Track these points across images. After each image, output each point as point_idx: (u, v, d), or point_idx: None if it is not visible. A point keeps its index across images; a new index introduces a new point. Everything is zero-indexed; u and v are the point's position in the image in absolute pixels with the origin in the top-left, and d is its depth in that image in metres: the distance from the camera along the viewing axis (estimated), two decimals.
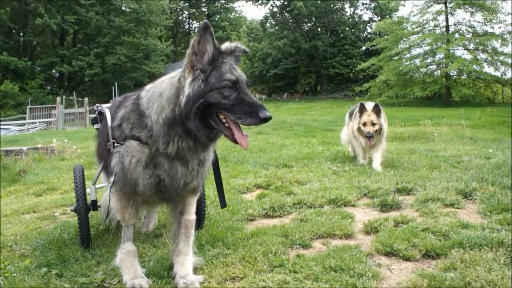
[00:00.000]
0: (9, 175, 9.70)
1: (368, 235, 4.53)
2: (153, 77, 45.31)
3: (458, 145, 10.30)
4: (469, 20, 34.77)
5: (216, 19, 58.76)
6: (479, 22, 34.43)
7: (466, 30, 34.66)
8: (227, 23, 58.43)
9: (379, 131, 7.89)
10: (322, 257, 3.82)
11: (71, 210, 4.82)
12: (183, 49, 62.10)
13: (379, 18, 49.88)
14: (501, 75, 32.54)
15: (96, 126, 4.55)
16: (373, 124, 7.83)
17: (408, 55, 35.93)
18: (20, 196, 7.88)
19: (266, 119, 3.06)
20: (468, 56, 32.60)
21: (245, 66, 55.28)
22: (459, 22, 34.91)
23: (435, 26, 35.59)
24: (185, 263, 3.68)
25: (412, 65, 34.63)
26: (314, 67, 50.76)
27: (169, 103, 3.23)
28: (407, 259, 3.87)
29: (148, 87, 3.56)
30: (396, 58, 35.61)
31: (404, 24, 36.29)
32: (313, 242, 4.36)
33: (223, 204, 4.09)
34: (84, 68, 43.44)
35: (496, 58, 32.30)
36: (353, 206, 5.62)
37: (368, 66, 37.24)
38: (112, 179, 3.63)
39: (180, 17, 61.04)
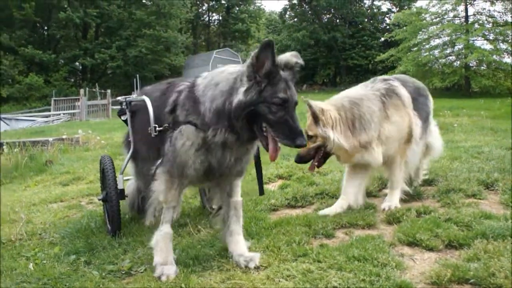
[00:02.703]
0: (36, 165, 9.84)
1: (390, 225, 4.51)
2: (173, 69, 45.56)
3: (479, 136, 10.17)
4: (489, 10, 34.17)
5: (236, 11, 58.64)
6: (499, 11, 33.90)
7: (486, 20, 34.10)
8: (247, 15, 58.21)
9: (321, 149, 4.77)
10: (345, 247, 3.82)
11: (100, 199, 4.97)
12: (203, 41, 62.20)
13: (397, 9, 49.30)
14: None
15: (123, 117, 4.75)
16: (309, 137, 4.71)
17: (427, 46, 35.42)
18: (47, 186, 8.00)
19: (301, 146, 3.31)
20: (487, 46, 32.09)
21: None
22: (479, 12, 34.37)
23: (454, 16, 35.09)
24: (240, 242, 3.88)
25: (431, 56, 34.20)
26: (333, 59, 50.41)
27: (222, 95, 3.37)
28: (430, 249, 3.84)
29: (205, 74, 3.70)
30: (415, 49, 35.19)
31: (423, 14, 35.81)
32: (336, 232, 4.36)
33: (261, 192, 4.12)
34: (106, 61, 43.67)
35: None
36: (374, 196, 5.61)
37: (387, 57, 36.86)
38: (158, 162, 3.79)
39: (200, 10, 60.99)
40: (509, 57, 31.91)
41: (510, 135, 10.16)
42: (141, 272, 3.74)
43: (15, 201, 6.65)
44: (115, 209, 4.52)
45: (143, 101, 4.18)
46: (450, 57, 34.34)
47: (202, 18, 62.09)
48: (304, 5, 51.61)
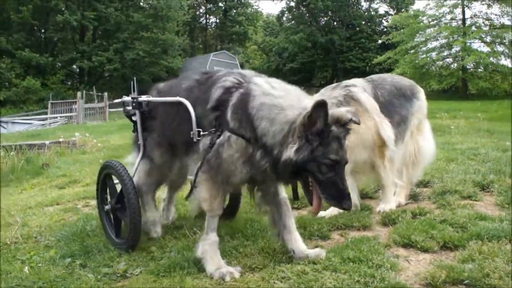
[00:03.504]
0: (32, 168, 9.83)
1: (386, 227, 4.52)
2: (171, 71, 45.56)
3: (475, 138, 10.20)
4: (486, 13, 34.34)
5: (233, 14, 58.70)
6: (496, 14, 34.06)
7: (483, 22, 34.27)
8: (244, 18, 58.32)
9: None
10: (340, 248, 3.83)
11: (107, 210, 4.54)
12: (200, 43, 62.25)
13: (395, 11, 49.49)
14: None
15: (134, 118, 4.46)
16: None
17: (424, 48, 35.59)
18: (43, 189, 7.99)
19: (347, 210, 3.41)
20: (485, 49, 32.25)
21: (261, 61, 55.32)
22: (476, 15, 34.53)
23: (452, 19, 35.24)
24: (299, 239, 3.81)
25: (429, 58, 34.32)
26: (331, 61, 50.51)
27: (273, 138, 3.29)
28: (425, 250, 3.85)
29: (265, 88, 3.50)
30: (412, 51, 35.31)
31: (420, 17, 35.95)
32: (332, 233, 4.37)
33: (295, 196, 3.89)
34: (103, 64, 43.66)
35: None
36: (370, 198, 5.62)
37: (384, 60, 36.95)
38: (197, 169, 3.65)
39: (197, 12, 61.04)
40: (506, 60, 32.03)
41: (506, 137, 10.20)
42: (136, 275, 3.73)
43: (11, 205, 6.64)
44: (138, 219, 4.11)
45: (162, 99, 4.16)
46: (447, 60, 34.50)
47: (199, 21, 62.24)
48: (302, 7, 51.70)
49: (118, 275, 3.77)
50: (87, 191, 7.04)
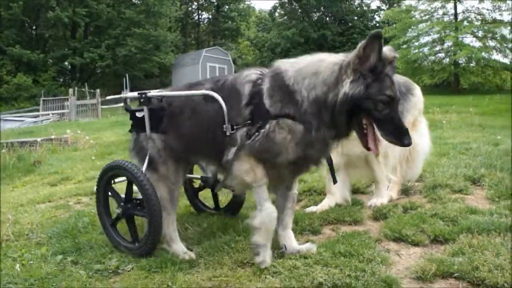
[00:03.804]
0: (24, 165, 9.81)
1: (377, 221, 4.55)
2: (163, 68, 45.43)
3: (467, 132, 10.23)
4: (478, 8, 34.31)
5: (225, 9, 58.56)
6: (487, 9, 34.05)
7: (475, 17, 34.25)
8: (236, 14, 58.19)
9: None
10: (331, 243, 3.85)
11: (119, 215, 4.20)
12: (192, 40, 62.03)
13: (387, 6, 49.48)
14: (510, 62, 32.15)
15: (139, 114, 4.13)
16: None
17: (416, 43, 35.53)
18: (35, 186, 7.98)
19: (408, 145, 3.32)
20: (476, 44, 32.23)
21: (254, 56, 55.14)
22: (468, 10, 34.49)
23: (444, 14, 35.21)
24: (292, 237, 3.86)
25: (421, 53, 34.28)
26: None
27: (324, 85, 3.27)
28: (416, 244, 3.89)
29: (292, 61, 3.58)
30: (404, 46, 35.26)
31: (412, 12, 35.92)
32: (323, 228, 4.40)
33: (335, 181, 3.95)
34: (95, 60, 43.48)
35: (505, 45, 31.91)
36: (362, 193, 5.65)
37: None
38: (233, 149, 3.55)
39: (190, 8, 60.87)
40: (497, 54, 32.06)
41: (497, 131, 10.26)
42: (128, 271, 3.75)
43: (2, 202, 6.62)
44: (159, 222, 3.86)
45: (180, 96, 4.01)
46: (440, 54, 34.49)
47: (191, 17, 62.02)
48: (294, 3, 51.59)
49: (110, 271, 3.79)
50: (79, 188, 7.04)
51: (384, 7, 51.04)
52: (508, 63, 31.79)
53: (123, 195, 4.16)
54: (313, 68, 3.36)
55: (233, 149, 3.54)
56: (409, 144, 3.25)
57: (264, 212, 3.56)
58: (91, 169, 8.70)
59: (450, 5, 34.47)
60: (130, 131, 4.32)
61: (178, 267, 3.64)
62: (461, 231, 3.92)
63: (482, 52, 31.08)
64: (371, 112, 3.18)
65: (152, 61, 45.41)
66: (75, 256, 4.11)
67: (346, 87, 3.14)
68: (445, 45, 33.70)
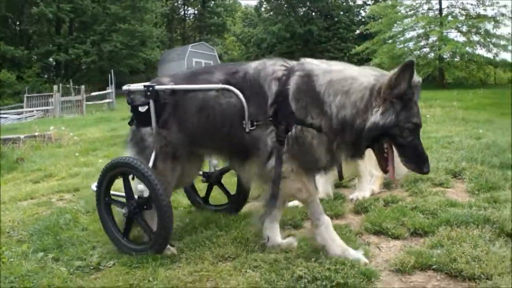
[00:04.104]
0: (7, 163, 9.70)
1: (358, 215, 4.61)
2: (149, 63, 45.20)
3: (450, 127, 10.31)
4: (462, 3, 34.53)
5: (211, 5, 58.45)
6: (472, 4, 34.28)
7: (459, 12, 34.45)
8: (222, 9, 58.13)
9: None
10: (312, 237, 3.87)
11: (125, 214, 3.97)
12: (178, 35, 61.86)
13: (373, 1, 49.63)
14: (493, 57, 32.37)
15: (142, 108, 3.91)
16: None
17: (401, 38, 35.69)
18: (17, 184, 7.91)
19: (427, 173, 3.40)
20: (461, 39, 32.45)
21: (240, 52, 55.15)
22: (452, 5, 34.67)
23: (429, 9, 35.39)
24: (277, 231, 3.88)
25: (406, 48, 34.43)
26: (309, 51, 50.39)
27: (354, 108, 3.23)
28: (396, 237, 3.94)
29: (323, 67, 3.46)
30: (390, 41, 35.44)
31: (398, 7, 36.05)
32: (304, 222, 4.42)
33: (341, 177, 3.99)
34: (80, 56, 43.17)
35: (488, 40, 32.14)
36: (344, 187, 5.68)
37: (362, 50, 37.01)
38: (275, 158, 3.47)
39: (175, 4, 60.64)
40: (481, 49, 32.29)
41: (480, 125, 10.36)
42: (110, 267, 3.75)
43: None
44: (169, 221, 3.71)
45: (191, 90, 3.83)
46: (425, 49, 34.65)
47: (177, 12, 61.84)
48: None
49: (91, 267, 3.79)
50: (62, 185, 7.01)
51: (369, 2, 51.19)
52: (492, 57, 32.03)
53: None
54: (345, 86, 3.28)
55: (265, 154, 3.51)
56: (427, 172, 3.29)
57: (321, 227, 3.56)
58: (75, 166, 8.65)
59: (435, 0, 34.67)
60: (129, 124, 4.15)
61: (159, 263, 3.64)
62: (440, 223, 3.98)
63: (466, 47, 31.31)
64: (396, 138, 3.17)
65: (137, 56, 45.21)
66: (56, 253, 4.09)
67: (377, 117, 3.12)
68: (430, 40, 33.88)
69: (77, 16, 44.82)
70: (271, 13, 52.86)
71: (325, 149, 3.39)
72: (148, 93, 3.84)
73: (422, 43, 34.49)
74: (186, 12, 62.71)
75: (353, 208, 4.74)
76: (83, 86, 31.88)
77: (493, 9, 31.74)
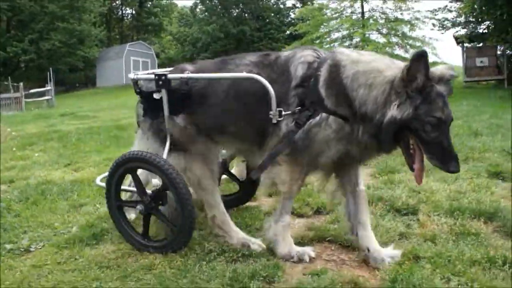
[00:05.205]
0: None
1: (270, 198, 4.82)
2: (87, 61, 44.21)
3: None
4: (382, 7, 35.61)
5: (148, 5, 57.69)
6: (390, 9, 35.43)
7: (379, 16, 35.52)
8: (159, 9, 57.45)
9: None
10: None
11: (140, 212, 3.67)
12: (116, 34, 60.71)
13: (301, 4, 50.40)
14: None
15: (156, 95, 3.55)
16: None
17: (328, 39, 36.37)
18: None
19: (454, 172, 2.98)
20: (381, 40, 33.57)
21: (176, 50, 54.74)
22: (373, 9, 35.71)
23: (352, 12, 36.26)
24: (373, 237, 3.42)
25: (332, 48, 35.28)
26: (242, 51, 50.63)
27: (374, 104, 2.96)
28: (301, 215, 4.25)
29: (353, 56, 3.18)
30: (317, 41, 35.99)
31: (324, 10, 36.78)
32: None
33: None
34: (19, 54, 41.76)
35: (406, 41, 33.37)
36: None
37: (291, 49, 37.57)
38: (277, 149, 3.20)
39: (114, 4, 59.46)
40: (400, 50, 33.46)
41: None
42: (40, 249, 3.83)
43: None
44: (193, 217, 3.44)
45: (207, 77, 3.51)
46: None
47: (115, 12, 60.64)
48: None
49: (22, 249, 3.84)
50: None
51: (298, 4, 51.92)
52: (409, 57, 33.14)
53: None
54: (369, 79, 3.01)
55: (274, 139, 3.27)
56: (455, 171, 2.91)
57: (279, 224, 3.39)
58: (11, 160, 8.52)
59: (357, 5, 35.62)
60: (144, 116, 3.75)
61: (85, 243, 3.78)
62: (340, 203, 4.24)
63: (386, 47, 32.37)
64: (418, 133, 2.85)
65: (76, 55, 44.09)
66: None
67: (394, 111, 2.85)
68: (354, 41, 34.70)
69: (15, 15, 43.21)
70: (206, 13, 52.73)
71: (338, 140, 3.13)
72: (160, 82, 3.52)
73: (346, 44, 35.26)
74: (124, 12, 61.65)
75: (266, 191, 4.88)
76: (21, 83, 30.89)
77: (409, 14, 33.03)
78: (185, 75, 3.49)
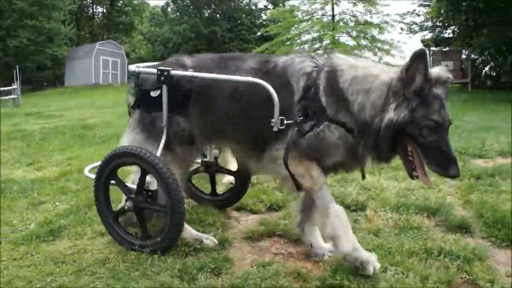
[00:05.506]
0: None
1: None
2: (56, 60, 43.65)
3: None
4: (352, 10, 36.13)
5: (120, 4, 57.23)
6: (360, 12, 35.96)
7: (349, 19, 36.04)
8: (130, 8, 57.04)
9: None
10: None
11: (128, 208, 3.57)
12: (87, 33, 60.04)
13: (273, 6, 50.69)
14: (379, 59, 34.13)
15: (153, 93, 3.50)
16: None
17: (298, 41, 36.80)
18: None
19: (455, 177, 2.89)
20: (351, 42, 34.07)
21: (147, 50, 54.44)
22: (344, 12, 36.21)
23: (323, 15, 36.66)
24: (318, 233, 3.50)
25: (302, 50, 35.60)
26: (213, 51, 50.49)
27: (373, 108, 2.94)
28: (254, 212, 4.44)
29: (350, 61, 3.17)
30: (288, 43, 36.41)
31: (295, 12, 37.14)
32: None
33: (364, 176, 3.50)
34: None
35: (375, 44, 33.93)
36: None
37: (262, 51, 37.61)
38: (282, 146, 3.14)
39: (84, 2, 58.83)
40: (369, 52, 33.98)
41: None
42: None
43: None
44: (182, 215, 3.37)
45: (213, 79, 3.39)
46: (319, 51, 35.89)
47: (86, 10, 60.01)
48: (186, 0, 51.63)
49: None
50: None
51: (270, 6, 52.24)
52: (378, 60, 33.73)
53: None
54: (367, 84, 2.99)
55: (280, 146, 3.18)
56: (455, 175, 2.82)
57: (335, 213, 3.15)
58: None
59: (328, 7, 36.07)
60: (133, 107, 3.68)
61: (42, 240, 3.86)
62: (292, 199, 4.40)
63: (355, 50, 32.86)
64: (415, 138, 2.81)
65: (45, 53, 43.47)
66: None
67: (391, 113, 2.81)
68: (324, 43, 35.22)
69: None
70: (177, 13, 52.65)
71: (346, 150, 3.11)
72: (162, 78, 3.41)
73: (316, 46, 35.74)
74: (94, 10, 61.05)
75: (224, 189, 4.99)
76: None
77: (378, 17, 33.64)
78: (189, 73, 3.43)
